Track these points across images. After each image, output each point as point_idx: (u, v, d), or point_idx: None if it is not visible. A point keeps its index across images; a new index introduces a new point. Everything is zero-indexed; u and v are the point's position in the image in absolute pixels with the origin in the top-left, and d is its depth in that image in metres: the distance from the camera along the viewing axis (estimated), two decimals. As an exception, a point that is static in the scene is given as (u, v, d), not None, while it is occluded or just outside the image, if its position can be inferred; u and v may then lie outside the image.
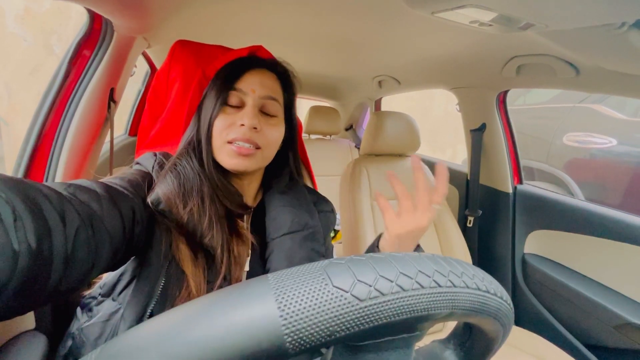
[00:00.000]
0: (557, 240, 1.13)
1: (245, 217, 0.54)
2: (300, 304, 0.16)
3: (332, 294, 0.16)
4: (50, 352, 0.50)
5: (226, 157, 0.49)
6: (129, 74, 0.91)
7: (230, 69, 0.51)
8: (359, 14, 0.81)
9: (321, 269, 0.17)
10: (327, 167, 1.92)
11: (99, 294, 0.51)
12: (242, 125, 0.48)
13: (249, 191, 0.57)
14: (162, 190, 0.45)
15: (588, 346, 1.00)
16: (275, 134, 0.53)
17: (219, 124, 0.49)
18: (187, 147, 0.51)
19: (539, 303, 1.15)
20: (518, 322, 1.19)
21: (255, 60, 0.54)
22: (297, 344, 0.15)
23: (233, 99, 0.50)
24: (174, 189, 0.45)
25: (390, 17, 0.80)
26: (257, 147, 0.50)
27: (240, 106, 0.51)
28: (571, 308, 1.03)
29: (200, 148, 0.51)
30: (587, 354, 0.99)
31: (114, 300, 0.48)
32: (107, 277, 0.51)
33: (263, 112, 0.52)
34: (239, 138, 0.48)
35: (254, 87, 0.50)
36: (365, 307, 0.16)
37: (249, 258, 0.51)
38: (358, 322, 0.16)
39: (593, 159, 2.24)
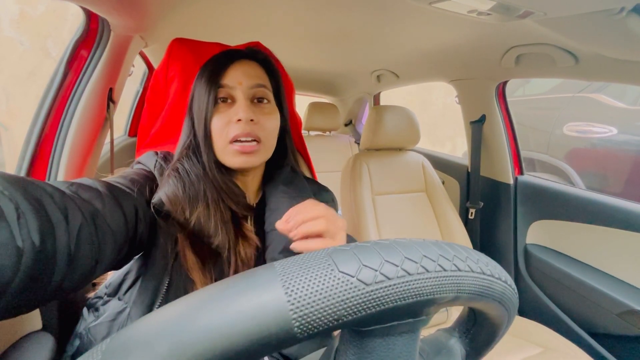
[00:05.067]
0: (559, 230, 1.13)
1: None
2: (307, 290, 0.16)
3: (339, 279, 0.16)
4: (58, 352, 0.51)
5: (231, 157, 0.49)
6: (127, 74, 0.91)
7: (211, 67, 0.51)
8: (357, 7, 0.81)
9: (327, 255, 0.17)
10: (328, 163, 1.92)
11: (105, 294, 0.51)
12: (239, 120, 0.48)
13: (252, 185, 0.57)
14: (166, 196, 0.44)
15: (592, 334, 1.00)
16: (272, 122, 0.52)
17: (216, 124, 0.49)
18: (186, 150, 0.50)
19: (542, 293, 1.15)
20: (522, 312, 1.20)
21: (234, 53, 0.53)
22: (305, 329, 0.16)
23: (222, 95, 0.50)
24: (179, 195, 0.45)
25: (388, 9, 0.79)
26: (259, 141, 0.50)
27: (231, 101, 0.50)
28: (574, 297, 1.03)
29: (200, 151, 0.50)
30: (591, 342, 0.99)
31: (120, 299, 0.48)
32: (113, 277, 0.52)
33: (254, 101, 0.52)
34: (239, 134, 0.48)
35: (240, 79, 0.50)
36: (372, 291, 0.17)
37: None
38: (364, 306, 0.16)
39: (593, 149, 2.23)
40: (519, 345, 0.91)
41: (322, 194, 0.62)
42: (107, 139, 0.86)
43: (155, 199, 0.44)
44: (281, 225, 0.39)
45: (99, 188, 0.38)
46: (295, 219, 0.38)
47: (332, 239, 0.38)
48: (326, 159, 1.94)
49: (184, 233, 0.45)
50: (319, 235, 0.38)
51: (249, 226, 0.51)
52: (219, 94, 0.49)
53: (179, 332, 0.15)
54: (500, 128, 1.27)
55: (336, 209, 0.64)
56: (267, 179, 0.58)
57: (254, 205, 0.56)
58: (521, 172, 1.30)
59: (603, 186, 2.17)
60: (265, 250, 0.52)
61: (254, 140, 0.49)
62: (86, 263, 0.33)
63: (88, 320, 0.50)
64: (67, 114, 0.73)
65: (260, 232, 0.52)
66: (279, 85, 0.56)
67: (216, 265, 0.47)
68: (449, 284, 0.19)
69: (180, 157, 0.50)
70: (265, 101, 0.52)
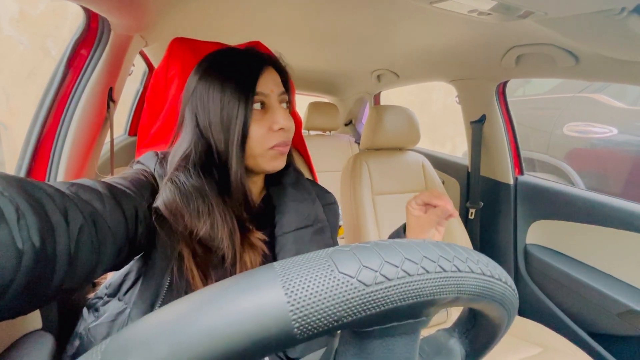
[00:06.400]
0: (558, 230, 1.13)
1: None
2: (307, 290, 0.16)
3: (339, 279, 0.16)
4: (58, 352, 0.51)
5: (270, 161, 0.50)
6: (127, 73, 0.91)
7: (240, 73, 0.49)
8: (357, 6, 0.81)
9: (327, 256, 0.17)
10: (328, 163, 1.92)
11: (105, 294, 0.51)
12: (281, 129, 0.49)
13: (258, 186, 0.57)
14: (165, 207, 0.43)
15: (592, 334, 1.00)
16: (293, 126, 0.54)
17: (256, 132, 0.48)
18: (184, 161, 0.47)
19: (542, 293, 1.15)
20: (521, 313, 1.20)
21: (260, 59, 0.52)
22: (305, 330, 0.16)
23: (257, 102, 0.49)
24: (180, 208, 0.43)
25: (389, 8, 0.79)
26: (288, 144, 0.52)
27: (264, 108, 0.50)
28: (574, 297, 1.03)
29: (213, 160, 0.48)
30: (591, 342, 0.99)
31: (120, 300, 0.48)
32: (113, 277, 0.52)
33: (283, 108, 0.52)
34: (281, 142, 0.49)
35: (271, 86, 0.50)
36: (372, 292, 0.16)
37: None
38: (364, 307, 0.16)
39: (594, 149, 2.23)
40: (518, 345, 0.91)
41: (324, 195, 0.63)
42: (107, 138, 0.86)
43: (154, 206, 0.44)
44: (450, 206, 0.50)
45: (99, 189, 0.38)
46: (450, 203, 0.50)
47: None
48: (326, 158, 1.94)
49: (189, 247, 0.44)
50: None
51: (256, 233, 0.50)
52: (254, 101, 0.48)
53: (178, 332, 0.15)
54: (501, 128, 1.27)
55: (338, 211, 0.64)
56: (270, 179, 0.59)
57: (257, 205, 0.56)
58: (521, 172, 1.30)
59: (603, 186, 2.17)
60: (274, 255, 0.52)
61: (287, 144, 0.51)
62: (86, 264, 0.33)
63: (88, 321, 0.50)
64: (67, 113, 0.73)
65: (266, 233, 0.52)
66: (289, 89, 0.56)
67: (218, 272, 0.46)
68: (449, 284, 0.19)
69: (177, 168, 0.47)
70: (287, 108, 0.53)
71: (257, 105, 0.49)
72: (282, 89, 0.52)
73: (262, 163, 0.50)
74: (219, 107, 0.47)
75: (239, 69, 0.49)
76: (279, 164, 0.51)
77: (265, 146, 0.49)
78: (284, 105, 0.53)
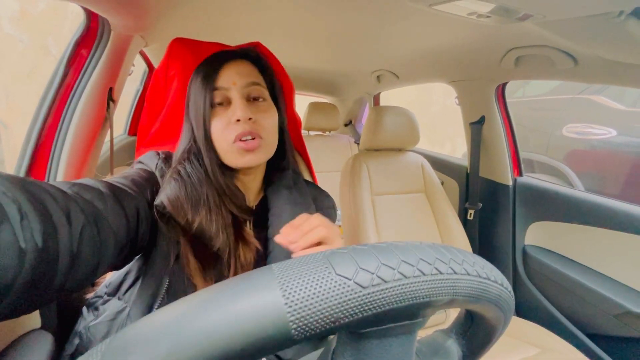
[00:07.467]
0: (557, 231, 1.14)
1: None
2: (304, 292, 0.16)
3: (336, 281, 0.17)
4: (57, 351, 0.51)
5: (236, 156, 0.49)
6: (127, 73, 0.91)
7: (204, 70, 0.51)
8: (357, 7, 0.81)
9: (324, 257, 0.18)
10: (327, 163, 1.92)
11: (105, 293, 0.51)
12: (238, 120, 0.48)
13: (253, 187, 0.57)
14: (167, 198, 0.44)
15: (589, 335, 1.01)
16: (270, 119, 0.52)
17: (216, 127, 0.49)
18: (187, 154, 0.50)
19: (540, 294, 1.15)
20: (519, 313, 1.20)
21: (226, 54, 0.53)
22: (302, 331, 0.16)
23: (218, 98, 0.49)
24: (180, 198, 0.44)
25: (389, 10, 0.79)
26: (260, 137, 0.50)
27: (227, 103, 0.50)
28: (572, 298, 1.04)
29: (201, 155, 0.50)
30: (589, 343, 1.00)
31: (119, 299, 0.48)
32: (113, 276, 0.52)
33: (251, 100, 0.51)
34: (240, 134, 0.48)
35: (234, 79, 0.50)
36: (368, 293, 0.17)
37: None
38: (361, 309, 0.17)
39: (593, 150, 2.24)
40: (516, 346, 0.91)
41: (322, 199, 0.62)
42: (107, 138, 0.86)
43: (157, 202, 0.44)
44: (281, 239, 0.39)
45: (100, 189, 0.38)
46: (295, 235, 0.38)
47: (331, 245, 0.39)
48: (326, 159, 1.94)
49: (186, 237, 0.45)
50: (319, 244, 0.39)
51: (249, 230, 0.51)
52: (214, 97, 0.49)
53: (177, 333, 0.15)
54: (500, 129, 1.28)
55: (336, 216, 0.64)
56: (268, 181, 0.58)
57: (254, 207, 0.56)
58: (520, 174, 1.30)
59: (602, 188, 2.17)
60: (266, 255, 0.52)
61: (255, 137, 0.49)
62: (88, 263, 0.33)
63: (87, 320, 0.50)
64: (67, 113, 0.73)
65: (262, 235, 0.52)
66: (274, 82, 0.56)
67: (215, 269, 0.47)
68: (445, 286, 0.19)
69: (181, 160, 0.49)
70: (261, 99, 0.52)
71: (219, 101, 0.50)
72: (251, 80, 0.51)
73: (229, 159, 0.50)
74: (193, 104, 0.50)
75: (204, 67, 0.51)
76: (248, 161, 0.49)
77: (227, 140, 0.48)
78: (255, 97, 0.51)
